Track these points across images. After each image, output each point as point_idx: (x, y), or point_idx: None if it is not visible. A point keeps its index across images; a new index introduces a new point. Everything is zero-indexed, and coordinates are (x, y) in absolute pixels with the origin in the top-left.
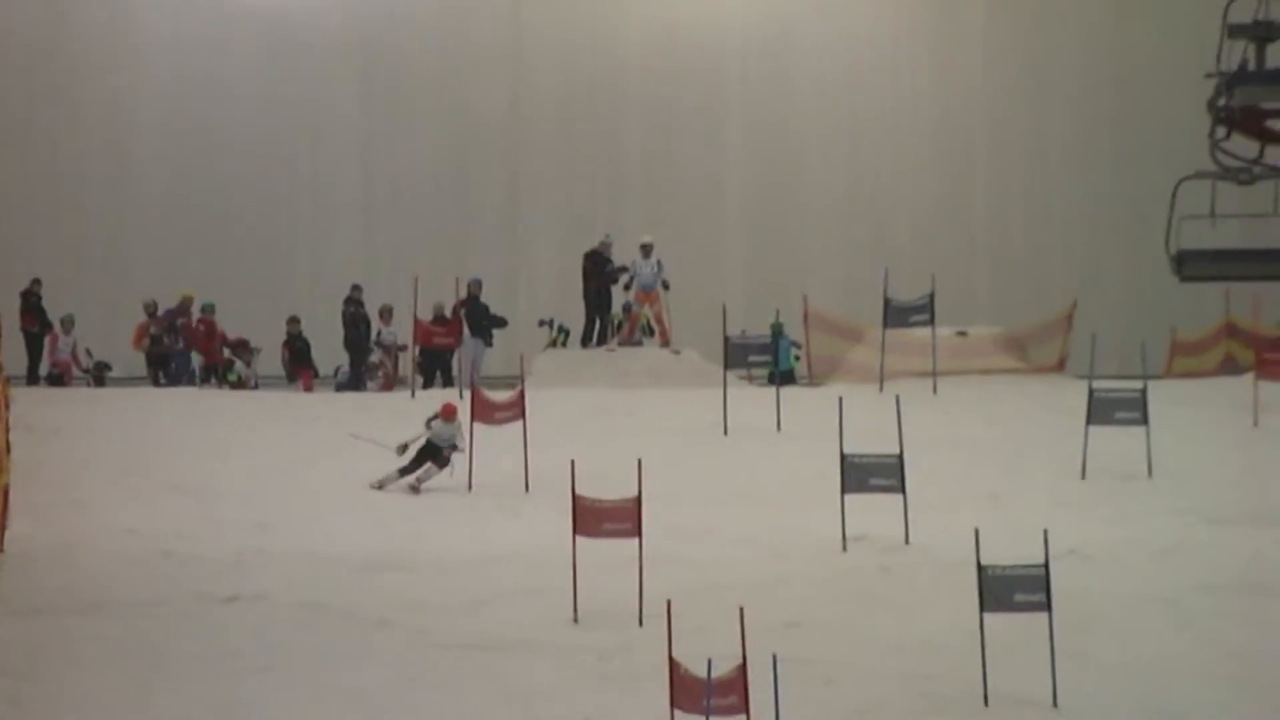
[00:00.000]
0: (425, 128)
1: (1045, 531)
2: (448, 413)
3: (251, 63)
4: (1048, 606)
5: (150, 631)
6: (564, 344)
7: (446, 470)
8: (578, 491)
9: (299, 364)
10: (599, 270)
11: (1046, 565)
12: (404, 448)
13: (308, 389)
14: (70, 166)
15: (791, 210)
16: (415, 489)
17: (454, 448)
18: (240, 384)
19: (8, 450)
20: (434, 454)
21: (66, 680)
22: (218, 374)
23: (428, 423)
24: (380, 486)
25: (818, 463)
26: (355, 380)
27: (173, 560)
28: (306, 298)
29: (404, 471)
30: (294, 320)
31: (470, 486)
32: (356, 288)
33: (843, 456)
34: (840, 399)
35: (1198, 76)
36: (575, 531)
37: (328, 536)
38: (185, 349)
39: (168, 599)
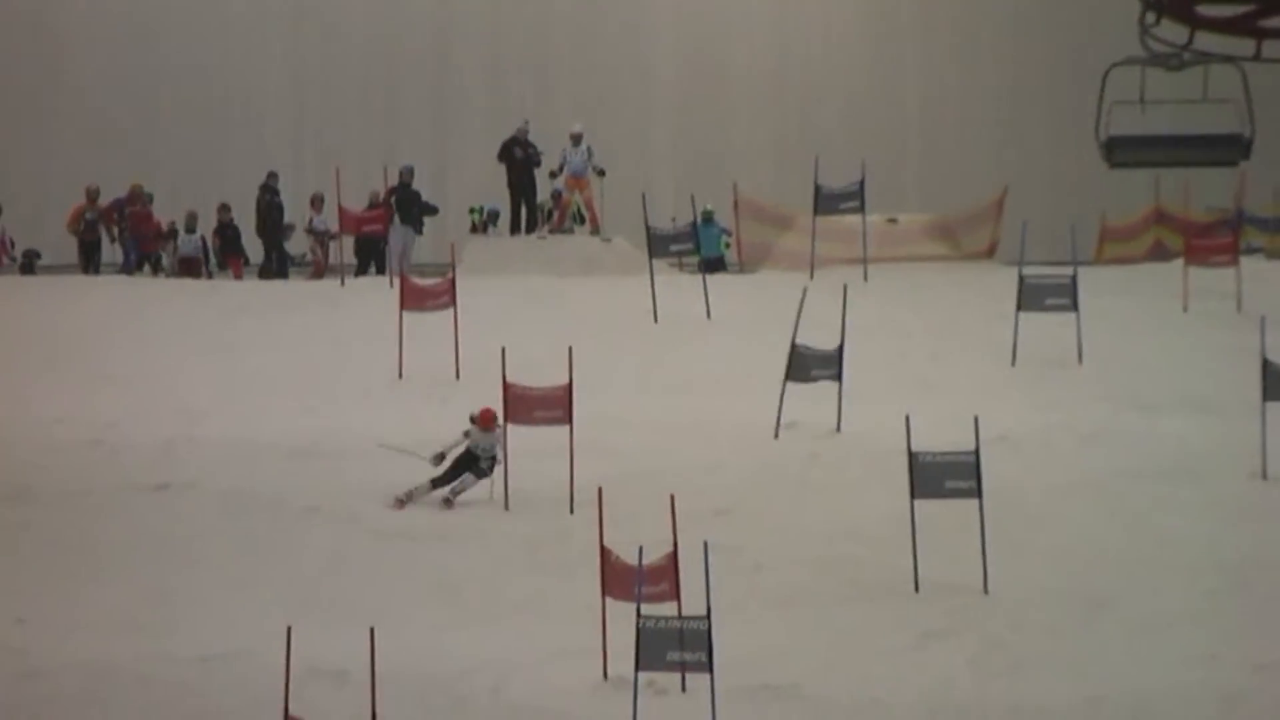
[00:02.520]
0: (355, 15)
1: (976, 418)
2: (486, 420)
3: None
4: (978, 493)
5: (79, 520)
6: (492, 226)
7: (485, 483)
8: (508, 379)
9: (229, 252)
10: (518, 156)
11: (977, 452)
12: (440, 457)
13: (238, 277)
14: None
15: (721, 98)
16: (449, 502)
17: (494, 460)
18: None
19: None
20: (471, 464)
21: None
22: (152, 262)
23: (465, 432)
24: (406, 501)
25: (749, 350)
26: (272, 268)
27: (102, 449)
28: (238, 186)
29: (436, 483)
30: (224, 208)
31: (506, 504)
32: (273, 175)
33: (793, 346)
34: (804, 290)
35: None
36: (506, 419)
37: (257, 424)
38: (133, 237)
39: (97, 488)
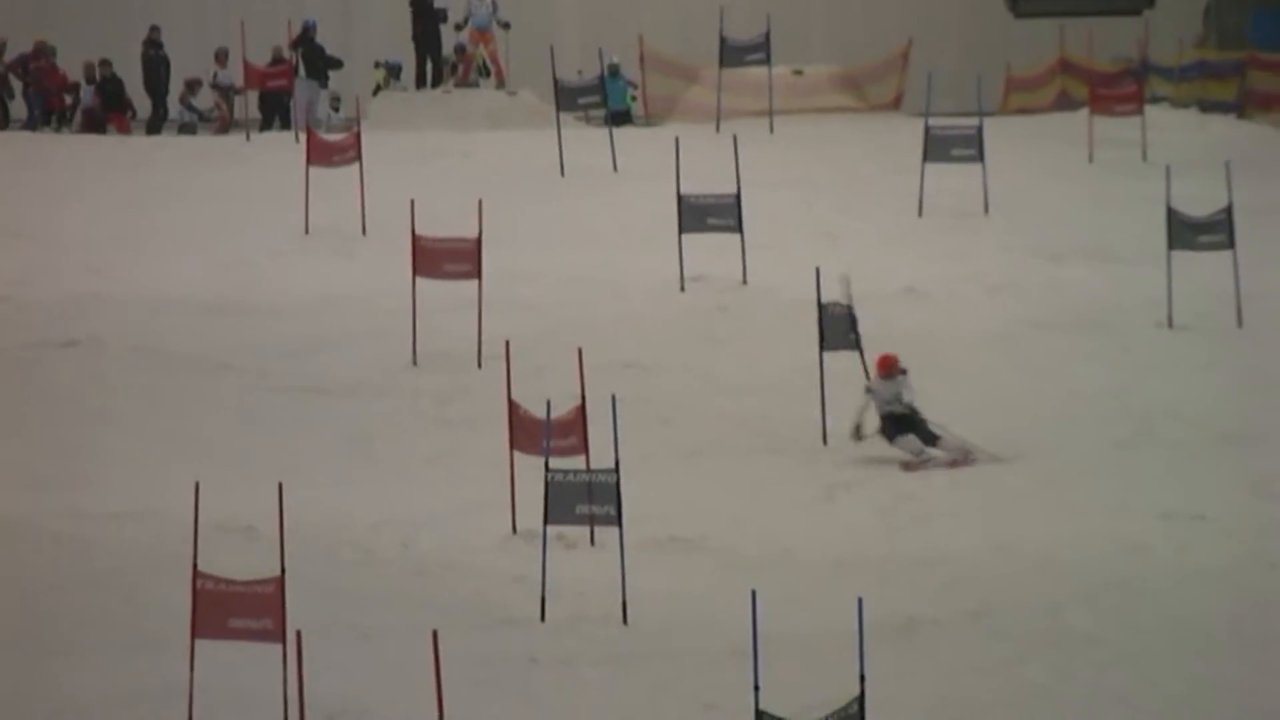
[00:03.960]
0: None
1: (840, 276)
2: (886, 366)
3: None
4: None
5: None
6: (394, 80)
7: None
8: (416, 232)
9: (111, 108)
10: (424, 9)
11: (846, 303)
12: (857, 431)
13: (122, 131)
14: None
15: None
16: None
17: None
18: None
19: None
20: (909, 424)
21: None
22: (57, 117)
23: (866, 388)
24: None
25: (655, 203)
26: (156, 124)
27: (8, 305)
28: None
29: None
30: (104, 63)
31: (414, 359)
32: (155, 29)
33: (680, 197)
34: (676, 139)
35: None
36: (415, 273)
37: (166, 281)
38: (38, 91)
39: (3, 344)
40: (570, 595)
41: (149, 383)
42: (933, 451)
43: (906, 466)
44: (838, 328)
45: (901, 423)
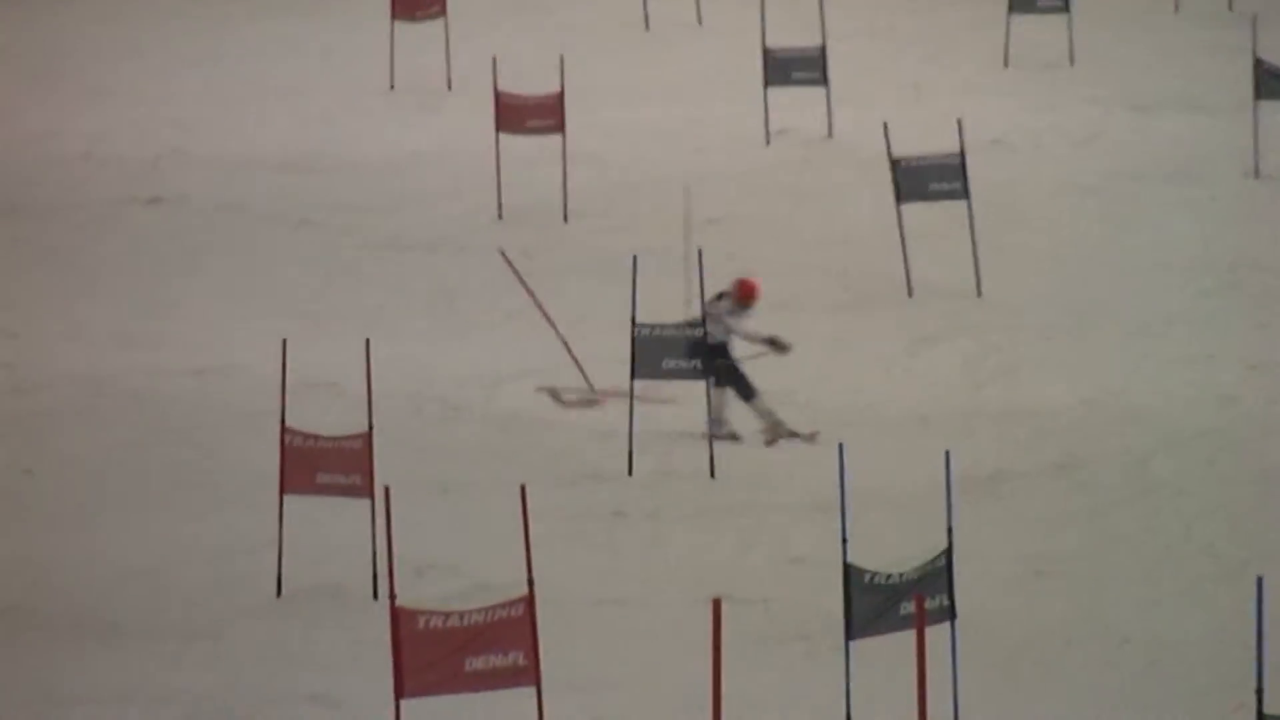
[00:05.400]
0: None
1: (959, 121)
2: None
3: None
4: (965, 195)
5: (71, 234)
6: None
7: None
8: (500, 88)
9: None
10: None
11: (962, 154)
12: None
13: None
14: None
15: None
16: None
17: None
18: None
19: None
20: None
21: None
22: None
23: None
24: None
25: (740, 57)
26: None
27: (91, 162)
28: None
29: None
30: None
31: (499, 214)
32: None
33: (765, 50)
34: None
35: None
36: (498, 128)
37: (249, 137)
38: None
39: (88, 201)
40: (657, 451)
41: (232, 239)
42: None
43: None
44: (914, 179)
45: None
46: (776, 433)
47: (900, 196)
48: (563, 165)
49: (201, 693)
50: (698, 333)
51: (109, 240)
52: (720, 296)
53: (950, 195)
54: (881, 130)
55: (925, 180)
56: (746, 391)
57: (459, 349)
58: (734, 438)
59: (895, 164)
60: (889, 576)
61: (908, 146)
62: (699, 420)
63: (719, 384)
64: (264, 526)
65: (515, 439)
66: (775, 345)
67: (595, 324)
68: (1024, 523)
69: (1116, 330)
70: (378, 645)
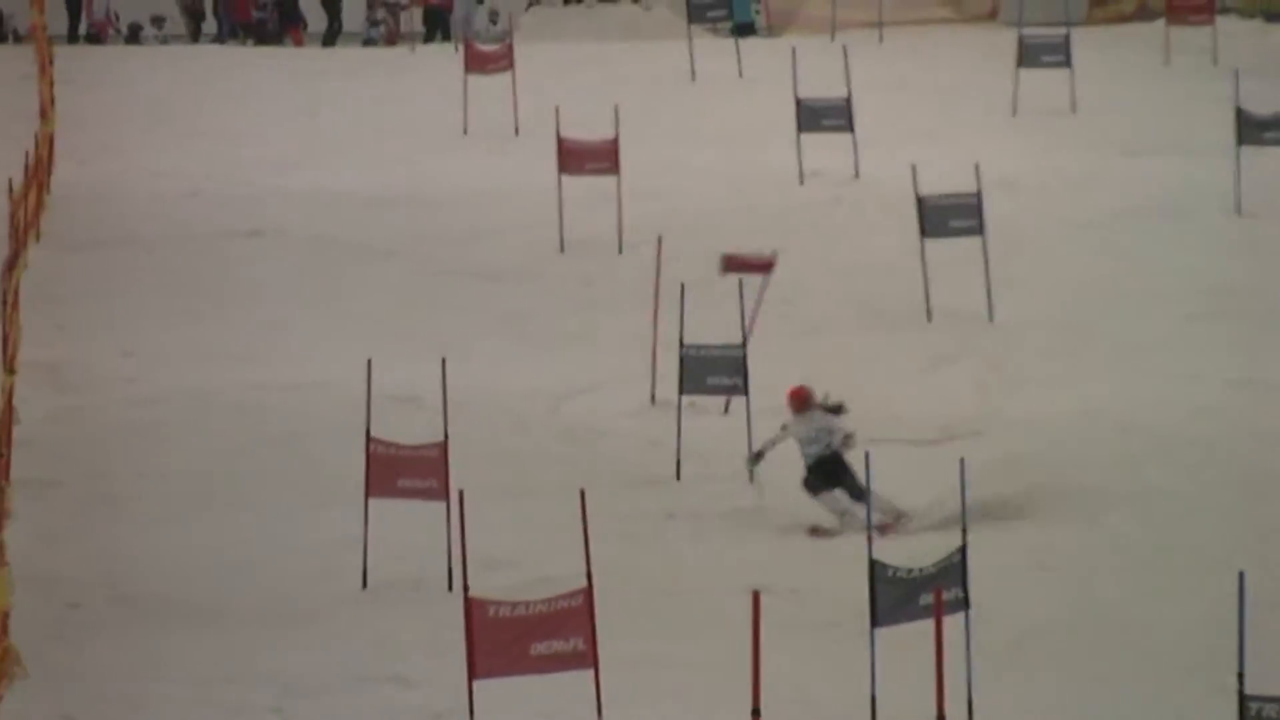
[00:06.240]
0: None
1: (977, 165)
2: (799, 401)
3: None
4: (980, 231)
5: (180, 262)
6: None
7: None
8: (562, 134)
9: (288, 21)
10: None
11: (979, 194)
12: (759, 457)
13: (298, 44)
14: None
15: None
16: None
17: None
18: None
19: (52, 102)
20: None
21: (106, 305)
22: (244, 30)
23: (783, 425)
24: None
25: (776, 106)
26: (331, 37)
27: (200, 199)
28: None
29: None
30: None
31: (561, 247)
32: None
33: (798, 100)
34: (794, 49)
35: None
36: (560, 170)
37: (339, 177)
38: (226, 9)
39: (196, 233)
40: (703, 457)
41: (324, 268)
42: (857, 509)
43: (815, 531)
44: (938, 217)
45: (825, 471)
46: (896, 520)
47: (924, 232)
48: (618, 203)
49: (294, 674)
50: (739, 352)
51: (215, 268)
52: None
53: (969, 232)
54: (901, 171)
55: (947, 218)
56: (855, 490)
57: (526, 367)
58: (899, 517)
59: (920, 202)
60: (910, 571)
61: (926, 186)
62: (743, 433)
63: (826, 489)
64: (351, 526)
65: (575, 448)
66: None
67: (647, 345)
68: (1032, 522)
69: (1112, 350)
70: (452, 632)
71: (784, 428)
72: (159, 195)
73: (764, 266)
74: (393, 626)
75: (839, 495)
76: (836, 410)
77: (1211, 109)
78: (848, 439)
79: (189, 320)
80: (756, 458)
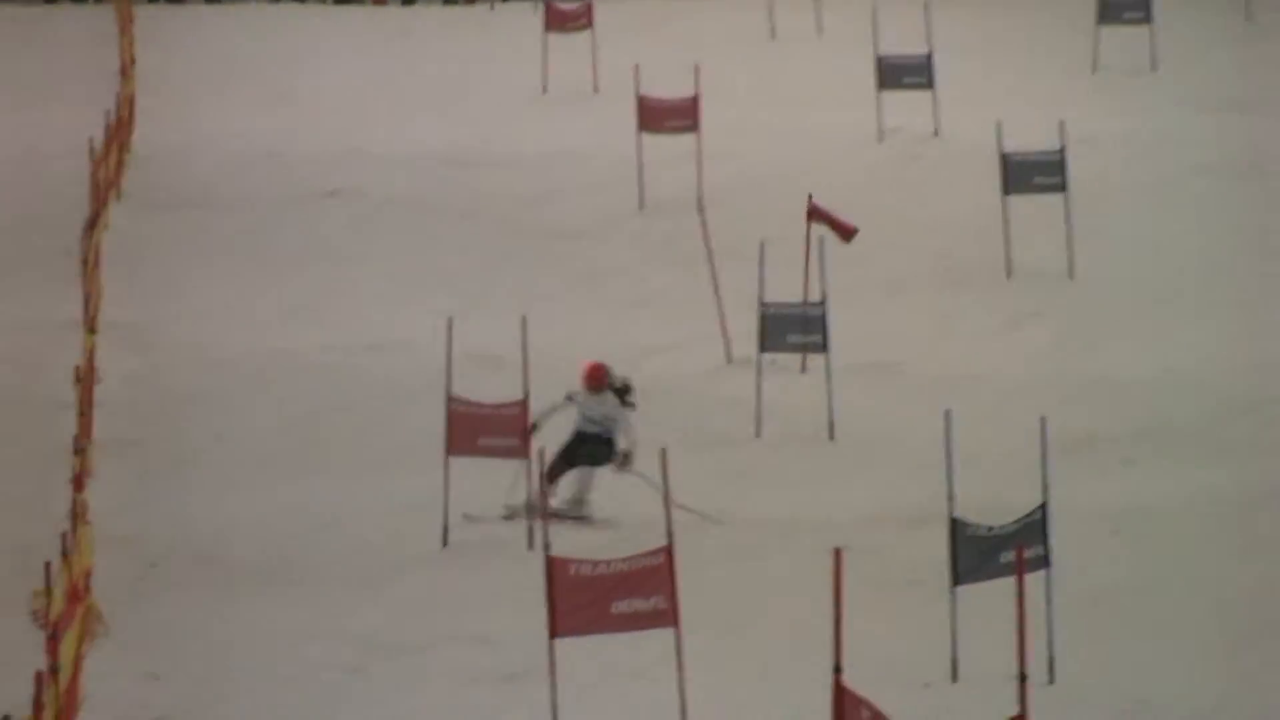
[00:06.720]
0: None
1: (1062, 122)
2: (594, 378)
3: None
4: (1064, 187)
5: (258, 223)
6: None
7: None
8: (641, 92)
9: None
10: None
11: (1063, 150)
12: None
13: (378, 2)
14: None
15: None
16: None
17: (610, 440)
18: None
19: (132, 61)
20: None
21: (185, 266)
22: None
23: (568, 395)
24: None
25: (856, 64)
26: None
27: (278, 160)
28: None
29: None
30: None
31: (640, 205)
32: None
33: (878, 57)
34: (874, 4)
35: None
36: (639, 128)
37: (417, 136)
38: None
39: (274, 194)
40: (782, 416)
41: (402, 228)
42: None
43: (512, 513)
44: (1021, 173)
45: (579, 450)
46: (540, 512)
47: (1007, 188)
48: (697, 161)
49: (374, 632)
50: (818, 310)
51: (291, 229)
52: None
53: (1051, 189)
54: (980, 128)
55: (1030, 174)
56: (595, 460)
57: (605, 325)
58: (584, 518)
59: (1005, 158)
60: (990, 529)
61: (1006, 144)
62: (822, 391)
63: (576, 463)
64: (431, 485)
65: (655, 406)
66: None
67: (727, 304)
68: (1114, 480)
69: (1192, 307)
70: (532, 591)
71: (569, 397)
72: (237, 155)
73: (845, 231)
74: (473, 585)
75: (572, 478)
76: (625, 391)
77: None
78: (626, 458)
79: (268, 281)
80: (533, 428)
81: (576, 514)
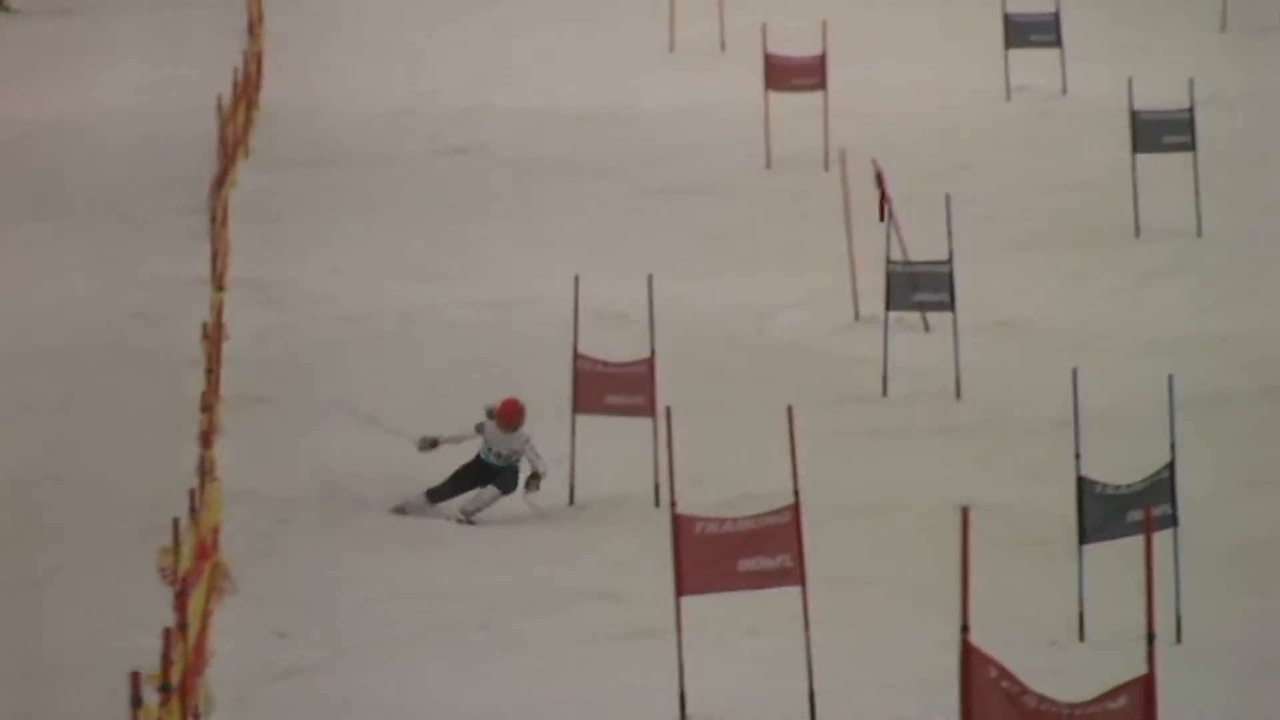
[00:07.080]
0: None
1: (1191, 80)
2: (508, 415)
3: None
4: (1193, 146)
5: (387, 180)
6: None
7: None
8: (769, 50)
9: None
10: None
11: (1191, 109)
12: (431, 444)
13: None
14: None
15: None
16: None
17: (515, 472)
18: None
19: (260, 19)
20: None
21: (314, 223)
22: None
23: (478, 425)
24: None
25: (983, 21)
26: None
27: (411, 117)
28: None
29: (435, 496)
30: None
31: (768, 164)
32: None
33: (1005, 15)
34: None
35: None
36: (767, 86)
37: (545, 94)
38: None
39: (403, 151)
40: (908, 374)
41: (530, 185)
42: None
43: (402, 509)
44: (1151, 132)
45: (477, 475)
46: (421, 511)
47: (1137, 147)
48: (824, 119)
49: (503, 588)
50: (945, 269)
51: (421, 186)
52: (487, 417)
53: (1181, 147)
54: (1108, 86)
55: (1160, 133)
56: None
57: (732, 283)
58: (468, 521)
59: (1135, 117)
60: (1118, 487)
61: (1135, 103)
62: (948, 350)
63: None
64: (558, 442)
65: (782, 364)
66: (531, 480)
67: (854, 262)
68: (1240, 439)
69: None
70: (659, 548)
71: (478, 429)
72: (366, 113)
73: (882, 205)
74: (600, 543)
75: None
76: (534, 478)
77: None
78: (535, 480)
79: (396, 238)
80: (431, 444)
81: (466, 521)
